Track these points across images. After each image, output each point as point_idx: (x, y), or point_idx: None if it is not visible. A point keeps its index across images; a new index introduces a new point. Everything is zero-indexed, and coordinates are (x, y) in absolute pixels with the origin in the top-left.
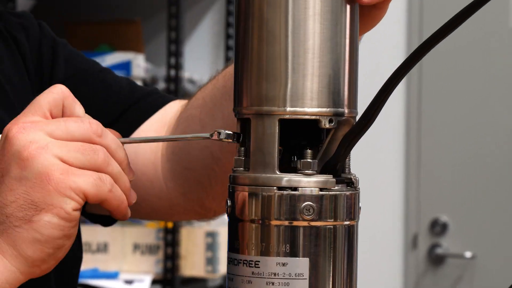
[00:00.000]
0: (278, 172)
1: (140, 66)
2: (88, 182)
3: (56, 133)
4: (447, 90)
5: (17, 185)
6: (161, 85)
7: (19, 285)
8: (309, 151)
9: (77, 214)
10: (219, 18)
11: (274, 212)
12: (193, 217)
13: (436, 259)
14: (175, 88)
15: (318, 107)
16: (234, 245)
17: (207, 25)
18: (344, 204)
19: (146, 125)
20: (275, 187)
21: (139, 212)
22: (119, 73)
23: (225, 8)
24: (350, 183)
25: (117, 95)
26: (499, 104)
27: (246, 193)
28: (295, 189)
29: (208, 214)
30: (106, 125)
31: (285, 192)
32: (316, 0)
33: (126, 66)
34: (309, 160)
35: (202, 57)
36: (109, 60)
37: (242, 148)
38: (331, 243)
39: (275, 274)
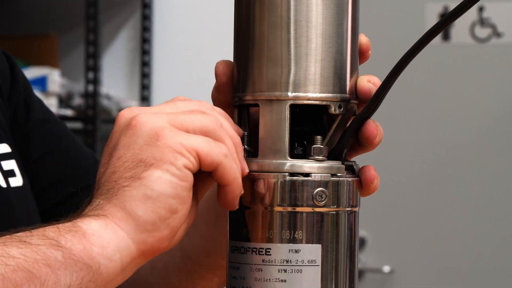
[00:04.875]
0: (289, 158)
1: (55, 82)
2: (201, 141)
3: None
4: None
5: (125, 151)
6: (77, 101)
7: (131, 262)
8: (319, 137)
9: (190, 174)
10: (134, 33)
11: (287, 198)
12: None
13: None
14: (93, 104)
15: (328, 93)
16: (241, 233)
17: (122, 41)
18: (353, 190)
19: None
20: (287, 173)
21: None
22: (34, 88)
23: (140, 24)
24: (352, 170)
25: (84, 165)
26: (419, 121)
27: (257, 180)
28: (307, 175)
29: None
30: (66, 195)
31: (299, 178)
32: None
33: (41, 81)
34: (320, 146)
35: (118, 73)
36: None
37: (245, 134)
38: (343, 229)
39: (287, 261)
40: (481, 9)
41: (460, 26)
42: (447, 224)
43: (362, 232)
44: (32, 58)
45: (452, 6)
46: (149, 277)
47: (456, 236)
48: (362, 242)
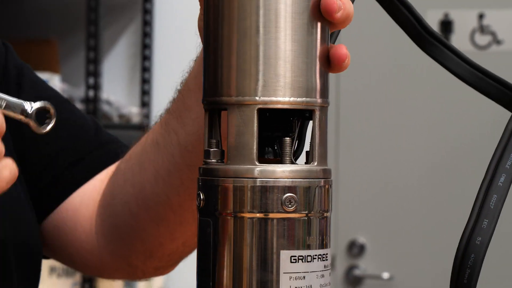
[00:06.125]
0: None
1: (56, 87)
2: None
3: None
4: (364, 112)
5: None
6: (78, 106)
7: None
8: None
9: None
10: (135, 39)
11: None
12: (123, 277)
13: (353, 281)
14: (93, 109)
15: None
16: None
17: (123, 46)
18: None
19: (102, 175)
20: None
21: (73, 264)
22: None
23: (141, 30)
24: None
25: (83, 135)
26: (417, 125)
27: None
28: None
29: (136, 273)
30: (67, 164)
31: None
32: None
33: None
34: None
35: (118, 79)
36: None
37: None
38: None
39: None
40: (481, 16)
41: (460, 33)
42: (446, 230)
43: (361, 239)
44: (32, 63)
45: (453, 13)
46: (154, 188)
47: (456, 242)
48: (362, 248)
